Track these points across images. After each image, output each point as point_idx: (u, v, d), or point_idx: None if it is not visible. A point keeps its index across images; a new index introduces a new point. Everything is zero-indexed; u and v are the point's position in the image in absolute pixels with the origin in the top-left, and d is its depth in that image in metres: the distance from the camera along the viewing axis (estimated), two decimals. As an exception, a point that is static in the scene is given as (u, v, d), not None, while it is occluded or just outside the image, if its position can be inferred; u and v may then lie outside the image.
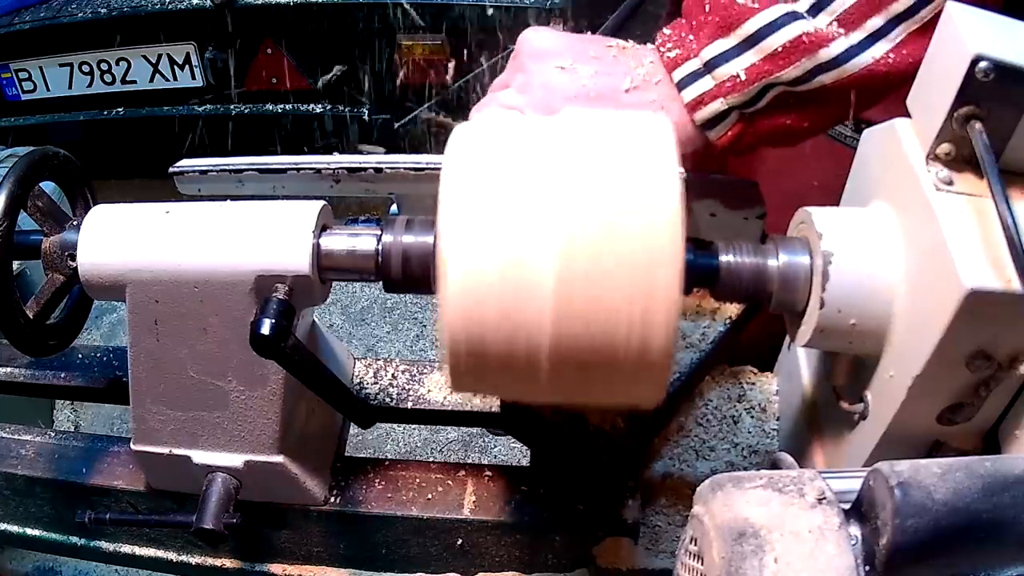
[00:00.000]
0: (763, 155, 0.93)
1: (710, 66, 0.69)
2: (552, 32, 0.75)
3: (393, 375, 0.87)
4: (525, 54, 0.74)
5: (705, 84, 0.69)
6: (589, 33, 0.78)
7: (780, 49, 0.66)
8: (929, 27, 0.63)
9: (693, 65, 0.69)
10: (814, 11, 0.66)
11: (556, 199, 0.51)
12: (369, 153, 0.76)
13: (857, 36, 0.65)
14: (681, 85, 0.70)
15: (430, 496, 0.83)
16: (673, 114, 0.70)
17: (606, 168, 0.52)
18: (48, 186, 0.73)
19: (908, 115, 0.62)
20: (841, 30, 0.65)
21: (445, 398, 0.85)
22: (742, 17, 0.67)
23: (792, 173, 0.97)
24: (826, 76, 0.66)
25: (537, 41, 0.74)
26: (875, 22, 0.65)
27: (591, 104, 0.71)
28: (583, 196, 0.51)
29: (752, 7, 0.67)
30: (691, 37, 0.70)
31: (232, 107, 2.51)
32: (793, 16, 0.66)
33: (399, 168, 0.74)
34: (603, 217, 0.51)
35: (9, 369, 0.89)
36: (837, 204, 0.73)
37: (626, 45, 0.74)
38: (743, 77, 0.67)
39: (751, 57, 0.67)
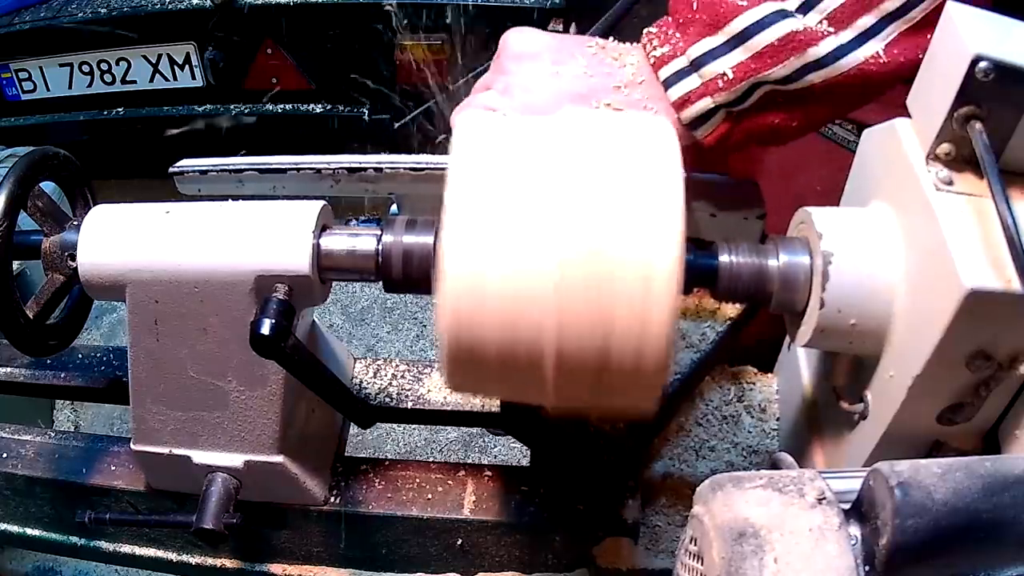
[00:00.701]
0: (763, 156, 0.93)
1: (697, 64, 0.67)
2: (534, 32, 0.73)
3: (393, 375, 0.87)
4: (506, 56, 0.72)
5: (692, 83, 0.68)
6: (575, 34, 0.77)
7: (768, 47, 0.64)
8: (921, 26, 0.63)
9: (680, 63, 0.68)
10: (804, 9, 0.65)
11: (559, 204, 0.51)
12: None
13: (847, 35, 0.64)
14: (667, 84, 0.68)
15: (430, 496, 0.83)
16: (659, 113, 0.69)
17: (609, 173, 0.52)
18: (48, 186, 0.73)
19: (908, 115, 0.62)
20: (831, 28, 0.64)
21: (445, 398, 0.85)
22: (730, 15, 0.65)
23: (793, 174, 0.97)
24: (815, 75, 0.65)
25: (518, 43, 0.72)
26: (866, 21, 0.64)
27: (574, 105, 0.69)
28: (586, 200, 0.51)
29: (740, 5, 0.65)
30: (678, 35, 0.68)
31: (232, 107, 2.51)
32: (782, 14, 0.64)
33: (399, 168, 0.74)
34: (605, 222, 0.51)
35: (9, 369, 0.89)
36: (837, 205, 0.73)
37: (607, 44, 0.72)
38: (730, 75, 0.66)
39: (739, 55, 0.66)
